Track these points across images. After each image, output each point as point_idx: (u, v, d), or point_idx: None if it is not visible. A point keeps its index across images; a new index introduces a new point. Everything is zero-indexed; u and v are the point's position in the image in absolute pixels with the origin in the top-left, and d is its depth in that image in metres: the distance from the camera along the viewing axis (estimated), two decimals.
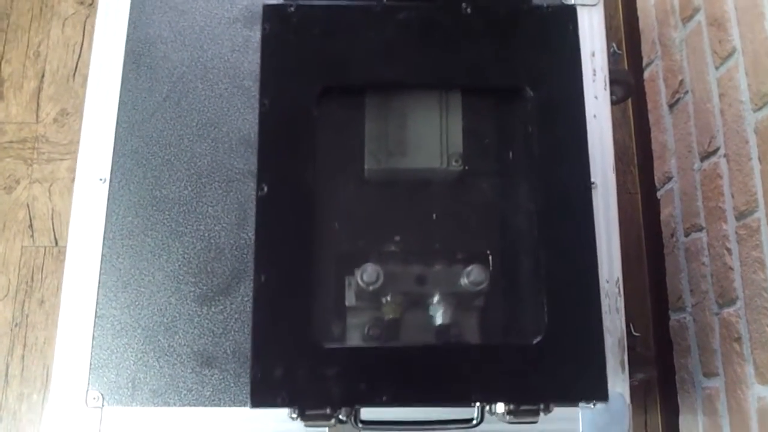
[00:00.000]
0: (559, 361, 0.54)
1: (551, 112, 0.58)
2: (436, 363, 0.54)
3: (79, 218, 0.86)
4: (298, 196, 0.55)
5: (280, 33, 0.58)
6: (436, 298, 0.58)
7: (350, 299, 0.58)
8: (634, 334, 0.97)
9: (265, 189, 0.55)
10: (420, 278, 0.58)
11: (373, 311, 0.58)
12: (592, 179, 0.83)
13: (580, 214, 0.57)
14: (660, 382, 1.24)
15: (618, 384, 0.81)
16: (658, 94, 1.26)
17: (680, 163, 1.18)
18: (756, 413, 0.95)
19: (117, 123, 0.89)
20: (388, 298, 0.57)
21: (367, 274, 0.55)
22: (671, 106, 1.21)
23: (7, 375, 1.28)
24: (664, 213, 1.24)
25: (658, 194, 1.27)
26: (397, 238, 0.60)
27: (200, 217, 0.86)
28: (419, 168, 0.62)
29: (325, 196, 0.58)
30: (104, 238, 0.85)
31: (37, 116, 1.41)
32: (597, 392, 0.54)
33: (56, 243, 1.35)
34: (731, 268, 1.02)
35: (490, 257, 0.59)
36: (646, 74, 1.32)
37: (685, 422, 1.16)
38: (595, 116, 0.88)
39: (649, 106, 1.30)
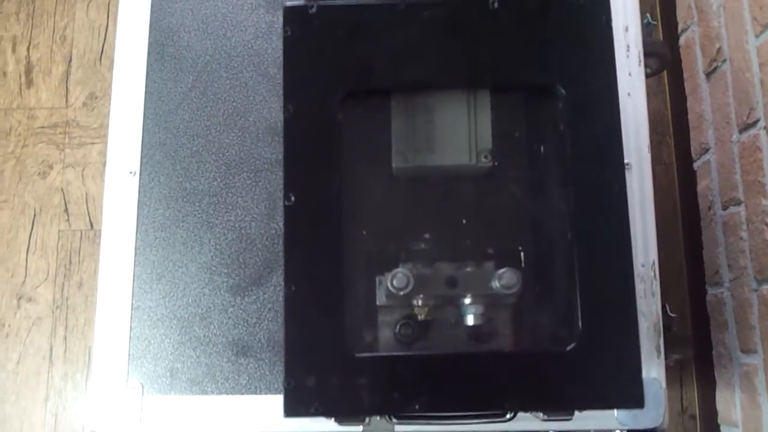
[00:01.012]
0: (594, 369, 0.53)
1: (583, 110, 0.56)
2: (469, 371, 0.53)
3: (112, 211, 0.87)
4: (325, 204, 0.55)
5: (302, 36, 0.57)
6: (467, 302, 0.57)
7: (381, 305, 0.58)
8: (670, 314, 0.96)
9: (293, 198, 0.54)
10: (451, 281, 0.58)
11: (404, 317, 0.58)
12: (627, 160, 0.82)
13: (614, 216, 0.55)
14: (696, 357, 1.22)
15: (653, 369, 0.81)
16: (695, 62, 1.22)
17: (718, 135, 1.15)
18: None
19: (144, 115, 0.89)
20: (419, 302, 0.57)
21: (398, 279, 0.55)
22: (708, 75, 1.17)
23: (51, 356, 1.32)
24: (701, 185, 1.21)
25: (695, 165, 1.24)
26: (427, 236, 0.60)
27: (230, 207, 0.87)
28: (448, 165, 0.61)
29: (353, 200, 0.58)
30: (137, 231, 0.86)
31: (67, 101, 1.42)
32: (633, 399, 0.53)
33: (91, 226, 1.37)
34: None
35: (522, 259, 0.58)
36: (682, 40, 1.27)
37: (721, 398, 1.15)
38: (629, 94, 0.85)
39: (685, 74, 1.26)
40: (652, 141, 0.88)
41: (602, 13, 0.56)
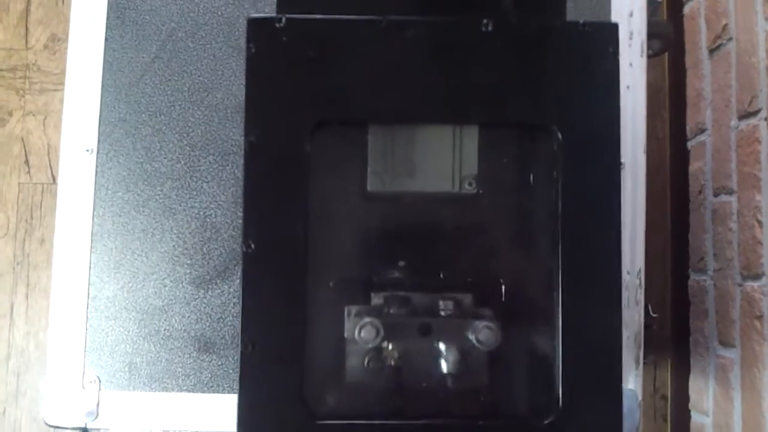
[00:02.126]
0: None
1: (579, 158, 0.50)
2: None
3: (66, 193, 0.81)
4: (290, 252, 0.49)
5: (268, 54, 0.49)
6: (441, 360, 0.53)
7: (347, 362, 0.53)
8: (652, 314, 0.93)
9: (252, 246, 0.49)
10: (424, 329, 0.53)
11: (370, 374, 0.53)
12: (621, 159, 0.77)
13: (604, 278, 0.51)
14: (674, 341, 1.21)
15: (631, 380, 0.78)
16: (698, 35, 1.15)
17: (716, 116, 1.09)
18: None
19: (102, 87, 0.81)
20: (390, 347, 0.53)
21: (366, 331, 0.50)
22: (711, 52, 1.10)
23: (12, 314, 1.28)
24: (694, 166, 1.17)
25: (689, 145, 1.18)
26: (400, 271, 0.55)
27: (194, 193, 0.81)
28: (428, 191, 0.55)
29: (321, 237, 0.52)
30: (94, 215, 0.80)
31: (27, 42, 1.32)
32: None
33: (54, 180, 1.30)
34: (760, 243, 0.96)
35: (503, 312, 0.54)
36: (687, 10, 1.19)
37: (695, 385, 1.14)
38: (628, 87, 0.79)
39: (687, 46, 1.18)
40: (646, 112, 0.82)
41: (609, 43, 0.49)
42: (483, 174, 0.55)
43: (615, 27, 0.50)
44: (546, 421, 0.49)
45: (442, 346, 0.52)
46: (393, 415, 0.51)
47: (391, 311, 0.53)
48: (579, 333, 0.49)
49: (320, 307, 0.53)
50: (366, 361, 0.54)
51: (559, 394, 0.49)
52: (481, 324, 0.51)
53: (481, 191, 0.55)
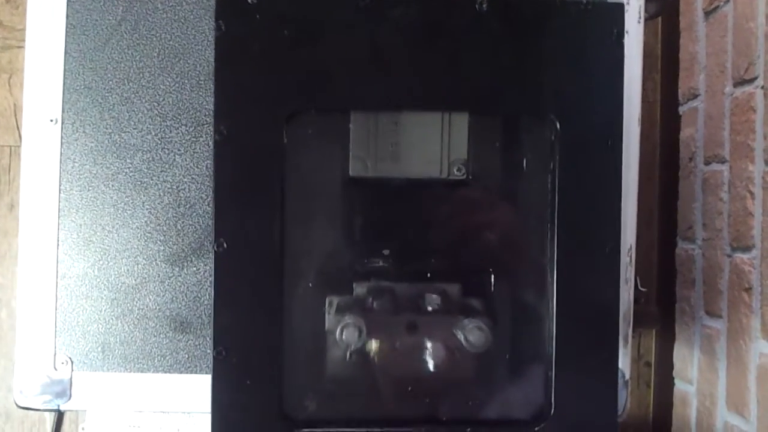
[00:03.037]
0: None
1: (578, 151, 0.47)
2: None
3: (30, 165, 0.76)
4: (264, 252, 0.45)
5: (239, 34, 0.45)
6: (427, 361, 0.51)
7: (329, 363, 0.50)
8: (640, 288, 0.91)
9: (225, 245, 0.45)
10: (411, 326, 0.50)
11: (354, 376, 0.51)
12: None
13: (603, 279, 0.48)
14: (659, 309, 1.20)
15: (619, 359, 0.76)
16: None
17: (709, 82, 1.06)
18: (756, 369, 0.92)
19: (65, 52, 0.76)
20: (374, 362, 0.50)
21: (348, 332, 0.48)
22: (707, 14, 1.06)
23: None
24: (685, 132, 1.14)
25: (680, 110, 1.15)
26: (384, 261, 0.51)
27: (166, 166, 0.76)
28: (414, 177, 0.52)
29: (297, 230, 0.48)
30: (60, 189, 0.76)
31: None
32: None
33: (22, 141, 1.24)
34: (751, 214, 0.93)
35: (494, 309, 0.51)
36: None
37: (679, 353, 1.14)
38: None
39: (682, 7, 1.14)
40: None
41: (614, 24, 0.45)
42: (473, 159, 0.51)
43: (620, 7, 0.46)
44: (539, 426, 0.47)
45: (428, 346, 0.50)
46: (377, 422, 0.48)
47: (375, 303, 0.50)
48: (574, 327, 0.47)
49: (300, 299, 0.50)
50: (348, 357, 0.51)
51: (552, 391, 0.47)
52: (471, 324, 0.49)
53: (470, 177, 0.52)
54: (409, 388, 0.51)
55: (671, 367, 1.16)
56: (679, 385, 1.14)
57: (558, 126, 0.46)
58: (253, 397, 0.46)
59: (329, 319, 0.50)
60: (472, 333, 0.49)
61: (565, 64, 0.47)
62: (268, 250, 0.46)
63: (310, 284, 0.51)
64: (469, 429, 0.47)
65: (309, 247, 0.52)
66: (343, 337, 0.48)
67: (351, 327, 0.48)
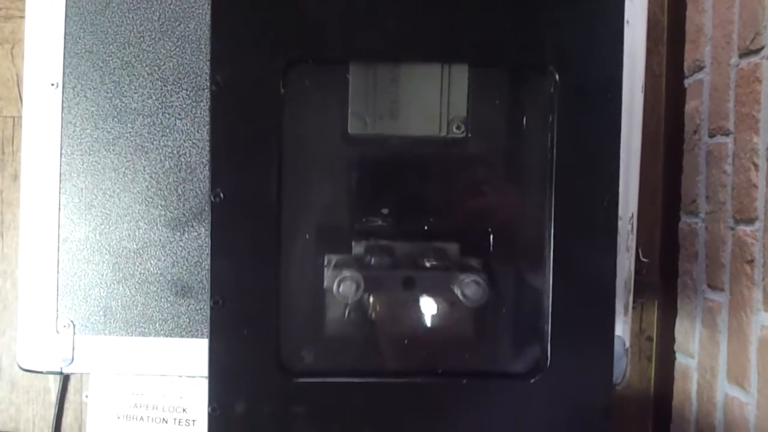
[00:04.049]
0: (560, 403, 0.48)
1: (577, 102, 0.46)
2: (419, 401, 0.48)
3: (32, 130, 0.77)
4: (262, 203, 0.45)
5: None
6: (424, 315, 0.51)
7: (326, 316, 0.50)
8: (642, 259, 0.91)
9: (222, 195, 0.45)
10: (408, 282, 0.50)
11: (351, 328, 0.51)
12: None
13: (599, 233, 0.48)
14: (661, 282, 1.20)
15: (619, 327, 0.77)
16: None
17: (715, 53, 1.05)
18: (757, 340, 0.92)
19: (66, 16, 0.76)
20: (371, 315, 0.50)
21: (345, 285, 0.48)
22: None
23: None
24: (690, 105, 1.13)
25: (686, 82, 1.14)
26: (382, 218, 0.51)
27: (167, 130, 0.76)
28: (413, 135, 0.52)
29: (295, 184, 0.48)
30: (61, 153, 0.76)
31: None
32: None
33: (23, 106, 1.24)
34: (755, 186, 0.93)
35: (492, 266, 0.51)
36: None
37: (681, 327, 1.14)
38: (627, 22, 0.74)
39: None
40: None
41: None
42: (472, 117, 0.51)
43: None
44: (534, 378, 0.47)
45: (426, 301, 0.50)
46: (373, 373, 0.49)
47: (373, 261, 0.50)
48: (570, 282, 0.47)
49: (298, 257, 0.50)
50: (346, 314, 0.51)
51: (548, 345, 0.47)
52: (468, 278, 0.49)
53: (470, 135, 0.51)
54: (405, 341, 0.51)
55: (673, 341, 1.16)
56: (681, 359, 1.14)
57: (557, 78, 0.46)
58: (249, 347, 0.47)
59: (327, 276, 0.50)
60: (468, 287, 0.49)
61: (565, 15, 0.47)
62: (266, 202, 0.46)
63: (307, 236, 0.51)
64: (464, 380, 0.47)
65: (307, 202, 0.52)
66: (341, 290, 0.49)
67: (348, 281, 0.48)
